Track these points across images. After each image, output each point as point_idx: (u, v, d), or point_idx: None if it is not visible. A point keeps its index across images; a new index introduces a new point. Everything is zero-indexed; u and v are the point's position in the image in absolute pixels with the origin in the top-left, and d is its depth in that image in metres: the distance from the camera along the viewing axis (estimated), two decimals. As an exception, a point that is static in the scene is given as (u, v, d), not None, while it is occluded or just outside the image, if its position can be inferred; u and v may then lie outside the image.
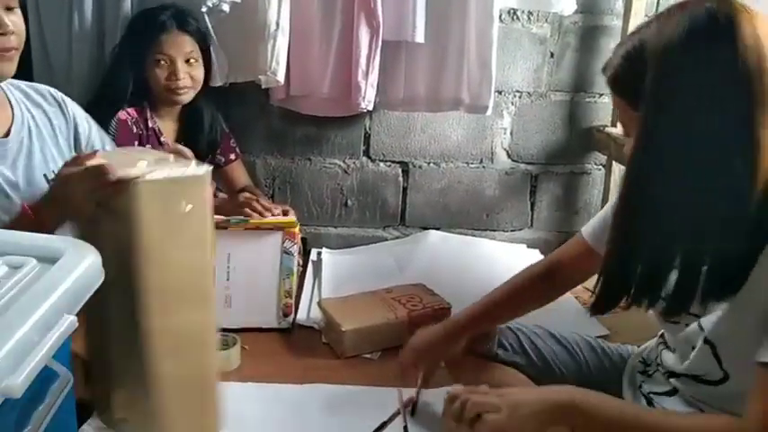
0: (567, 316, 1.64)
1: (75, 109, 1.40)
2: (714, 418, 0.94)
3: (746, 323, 0.86)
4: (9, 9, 1.12)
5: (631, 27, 2.04)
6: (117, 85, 1.73)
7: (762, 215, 0.82)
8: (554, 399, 0.94)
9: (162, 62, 1.71)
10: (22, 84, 1.32)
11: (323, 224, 2.30)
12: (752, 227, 0.83)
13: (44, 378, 0.79)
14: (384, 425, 1.34)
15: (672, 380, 1.07)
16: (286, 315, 1.69)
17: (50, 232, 1.07)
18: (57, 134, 1.34)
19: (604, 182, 2.24)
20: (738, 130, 0.81)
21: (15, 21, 1.13)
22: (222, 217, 1.65)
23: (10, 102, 1.28)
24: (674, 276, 0.90)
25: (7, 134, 1.25)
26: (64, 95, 1.39)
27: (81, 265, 0.87)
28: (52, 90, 1.37)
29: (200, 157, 1.86)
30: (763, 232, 0.84)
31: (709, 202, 0.83)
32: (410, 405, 1.40)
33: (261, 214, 1.71)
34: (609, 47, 2.16)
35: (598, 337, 1.47)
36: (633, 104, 0.90)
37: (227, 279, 1.61)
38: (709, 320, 0.93)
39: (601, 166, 2.28)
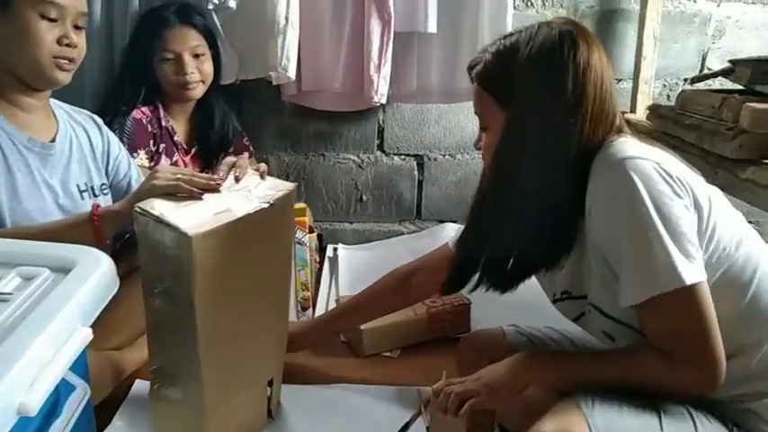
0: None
1: (110, 134, 1.47)
2: (636, 350, 0.95)
3: (599, 272, 0.96)
4: (77, 28, 1.25)
5: (650, 10, 1.99)
6: (129, 85, 1.72)
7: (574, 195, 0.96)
8: (513, 362, 1.03)
9: (169, 58, 1.70)
10: (66, 105, 1.40)
11: (338, 220, 2.28)
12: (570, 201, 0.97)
13: (60, 391, 0.78)
14: (407, 425, 1.32)
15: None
16: (304, 309, 1.67)
17: (101, 244, 1.13)
18: (94, 151, 1.40)
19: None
20: (567, 129, 0.95)
21: (80, 40, 1.26)
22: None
23: (55, 115, 1.35)
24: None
25: (53, 140, 1.31)
26: (96, 117, 1.46)
27: (95, 275, 0.85)
28: (94, 115, 1.45)
29: (213, 156, 1.88)
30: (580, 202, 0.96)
31: (542, 184, 0.96)
32: (429, 404, 1.38)
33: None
34: (627, 32, 2.10)
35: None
36: (499, 100, 0.99)
37: None
38: (596, 297, 1.01)
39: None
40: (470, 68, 1.05)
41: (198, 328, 1.03)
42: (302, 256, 1.63)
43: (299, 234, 1.62)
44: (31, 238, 0.99)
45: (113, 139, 1.47)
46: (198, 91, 1.75)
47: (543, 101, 0.96)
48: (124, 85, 1.73)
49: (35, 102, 1.28)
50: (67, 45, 1.22)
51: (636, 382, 0.94)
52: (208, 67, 1.75)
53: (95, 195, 1.37)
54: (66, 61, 1.23)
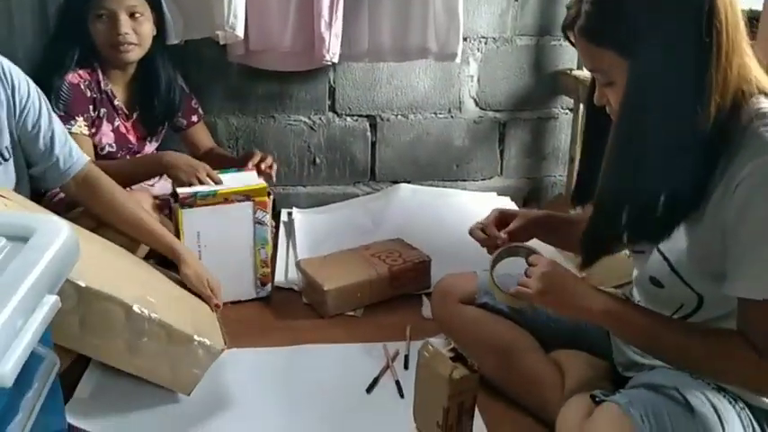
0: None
1: (13, 74, 1.31)
2: (730, 338, 0.94)
3: (710, 246, 0.92)
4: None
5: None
6: (62, 46, 1.61)
7: (713, 145, 0.90)
8: (589, 315, 1.02)
9: (103, 16, 1.59)
10: None
11: (291, 183, 2.24)
12: (706, 154, 0.90)
13: (30, 362, 0.74)
14: (376, 381, 1.34)
15: None
16: (264, 284, 1.65)
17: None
18: None
19: (572, 126, 2.24)
20: (702, 67, 0.87)
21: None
22: (187, 191, 1.53)
23: None
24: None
25: None
26: (3, 62, 1.29)
27: (56, 242, 0.81)
28: None
29: (159, 122, 1.81)
30: (715, 157, 0.91)
31: (678, 133, 0.90)
32: (395, 359, 1.41)
33: (199, 180, 1.57)
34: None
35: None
36: (617, 49, 0.90)
37: (200, 258, 1.51)
38: (671, 249, 0.98)
39: (568, 110, 2.28)
40: (568, 27, 0.96)
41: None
42: (263, 235, 1.60)
43: (259, 214, 1.58)
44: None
45: (20, 83, 1.31)
46: (134, 54, 1.65)
47: (669, 31, 0.87)
48: (58, 45, 1.62)
49: None
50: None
51: (715, 368, 0.94)
52: (147, 28, 1.65)
53: None
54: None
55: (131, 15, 1.61)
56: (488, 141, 2.30)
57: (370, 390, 1.32)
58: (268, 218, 1.61)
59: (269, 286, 1.66)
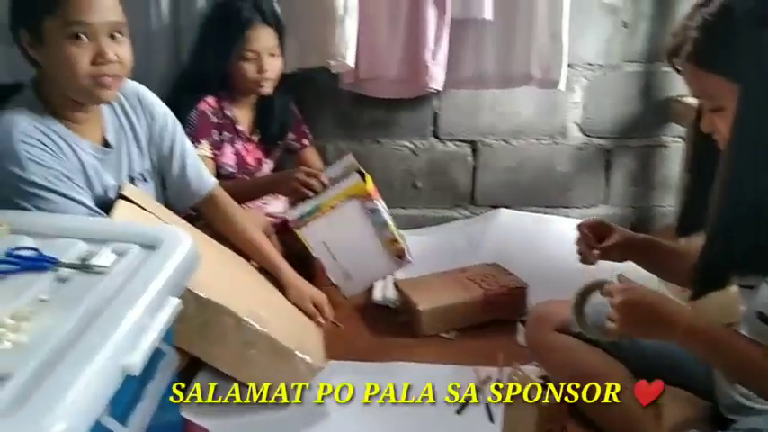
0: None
1: (152, 105, 1.43)
2: None
3: None
4: (113, 38, 1.19)
5: (712, -10, 1.94)
6: (200, 77, 1.76)
7: None
8: (673, 334, 0.98)
9: (249, 57, 1.74)
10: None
11: (393, 206, 2.29)
12: None
13: (154, 357, 0.84)
14: (466, 403, 1.36)
15: None
16: (401, 257, 1.72)
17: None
18: (139, 135, 1.40)
19: (684, 154, 2.16)
20: None
21: (120, 51, 1.20)
22: (295, 215, 1.64)
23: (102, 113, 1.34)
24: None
25: (105, 143, 1.33)
26: (143, 91, 1.43)
27: (180, 250, 0.92)
28: (136, 89, 1.41)
29: (273, 143, 1.95)
30: None
31: None
32: (486, 383, 1.42)
33: (312, 189, 1.67)
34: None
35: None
36: (728, 74, 0.89)
37: (335, 260, 1.66)
38: None
39: (679, 139, 2.20)
40: (673, 55, 0.95)
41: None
42: (379, 220, 1.67)
43: (368, 205, 1.65)
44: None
45: (158, 112, 1.43)
46: (269, 88, 1.79)
47: None
48: (194, 77, 1.77)
49: (89, 116, 1.29)
50: (103, 63, 1.17)
51: None
52: (279, 63, 1.80)
53: (134, 182, 1.39)
54: (109, 78, 1.19)
55: (270, 54, 1.76)
56: (593, 169, 2.26)
57: (460, 411, 1.34)
58: (378, 203, 1.68)
59: (407, 256, 1.73)
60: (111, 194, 1.31)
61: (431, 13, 1.87)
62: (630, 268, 1.23)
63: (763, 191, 0.89)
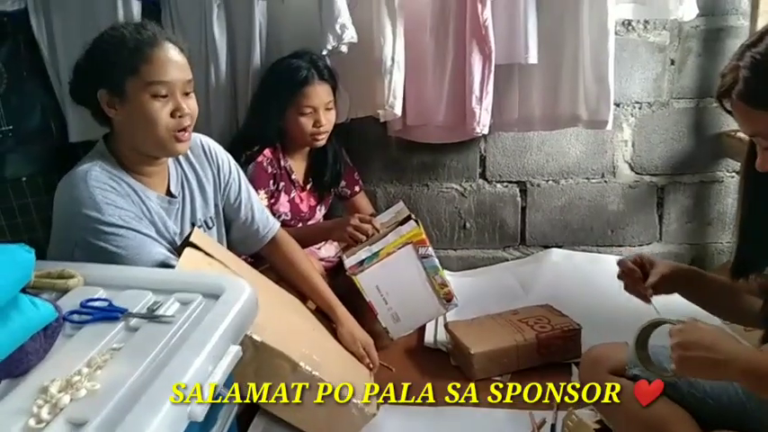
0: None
1: (219, 157, 1.53)
2: None
3: None
4: (186, 94, 1.33)
5: (760, 25, 1.93)
6: (259, 131, 1.84)
7: None
8: (728, 374, 0.96)
9: (307, 113, 1.82)
10: None
11: (442, 247, 2.33)
12: None
13: (215, 403, 0.88)
14: (521, 448, 1.35)
15: None
16: (449, 301, 1.75)
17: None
18: (204, 184, 1.49)
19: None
20: None
21: (191, 104, 1.33)
22: (353, 261, 1.69)
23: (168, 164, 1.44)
24: None
25: (169, 192, 1.42)
26: (206, 141, 1.52)
27: (241, 300, 0.97)
28: (203, 141, 1.51)
29: (326, 191, 2.01)
30: None
31: None
32: (542, 427, 1.40)
33: (366, 234, 1.76)
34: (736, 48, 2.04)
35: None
36: None
37: (386, 303, 1.70)
38: None
39: (734, 173, 2.15)
40: (723, 95, 0.99)
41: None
42: (432, 265, 1.73)
43: (421, 251, 1.71)
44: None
45: (222, 157, 1.53)
46: (324, 140, 1.87)
47: None
48: (253, 131, 1.86)
49: (158, 169, 1.39)
50: (181, 116, 1.30)
51: None
52: (334, 116, 1.88)
53: (200, 228, 1.46)
54: (183, 132, 1.32)
55: (327, 109, 1.84)
56: (645, 206, 2.23)
57: (515, 456, 1.33)
58: (430, 249, 1.72)
59: (455, 300, 1.76)
60: (177, 239, 1.40)
61: (476, 60, 1.92)
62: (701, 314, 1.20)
63: None
